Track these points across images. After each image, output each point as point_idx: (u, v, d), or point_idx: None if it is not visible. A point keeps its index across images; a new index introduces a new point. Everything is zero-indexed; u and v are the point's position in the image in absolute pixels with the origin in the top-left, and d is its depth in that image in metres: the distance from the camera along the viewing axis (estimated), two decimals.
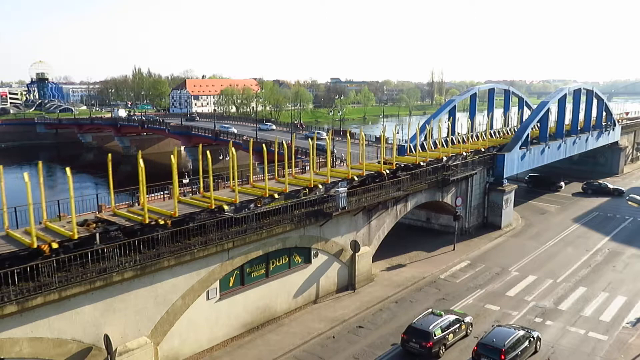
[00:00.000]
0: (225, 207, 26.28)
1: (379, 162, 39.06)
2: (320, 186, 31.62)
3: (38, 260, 19.20)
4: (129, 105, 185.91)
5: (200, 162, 28.01)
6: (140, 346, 21.92)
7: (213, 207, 25.87)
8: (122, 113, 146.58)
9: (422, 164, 39.25)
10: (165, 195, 28.93)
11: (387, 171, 36.37)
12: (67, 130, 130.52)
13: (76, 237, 20.62)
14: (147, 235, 22.35)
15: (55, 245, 19.99)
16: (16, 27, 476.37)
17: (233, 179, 28.79)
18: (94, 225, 22.32)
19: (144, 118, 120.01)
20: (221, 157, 75.62)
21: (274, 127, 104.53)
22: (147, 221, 23.11)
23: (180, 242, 23.49)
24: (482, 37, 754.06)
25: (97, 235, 21.44)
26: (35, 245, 19.50)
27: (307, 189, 30.94)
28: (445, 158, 42.46)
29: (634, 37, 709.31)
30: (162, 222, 23.58)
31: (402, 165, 38.42)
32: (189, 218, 24.82)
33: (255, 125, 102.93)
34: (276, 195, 28.92)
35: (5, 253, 19.28)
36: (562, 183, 63.77)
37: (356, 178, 34.09)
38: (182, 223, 24.20)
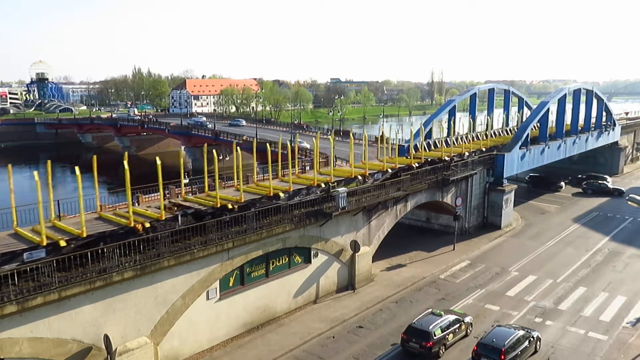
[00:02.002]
0: (281, 195, 29.02)
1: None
2: (359, 177, 34.62)
3: (134, 237, 21.84)
4: (129, 105, 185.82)
5: (234, 160, 29.25)
6: (140, 346, 21.92)
7: (271, 194, 28.59)
8: (135, 111, 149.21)
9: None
10: (166, 194, 28.86)
11: (417, 164, 39.04)
12: (67, 130, 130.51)
13: (163, 217, 23.75)
14: (217, 219, 24.99)
15: (147, 225, 22.92)
16: (16, 27, 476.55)
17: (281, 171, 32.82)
18: (175, 208, 25.54)
19: (145, 118, 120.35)
20: (221, 157, 75.67)
21: (243, 122, 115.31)
22: (218, 205, 25.96)
23: (246, 224, 26.08)
24: (482, 37, 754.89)
25: (179, 216, 24.36)
26: (132, 224, 22.54)
27: (348, 179, 34.24)
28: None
29: (634, 37, 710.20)
30: (230, 207, 26.34)
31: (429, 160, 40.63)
32: (251, 204, 27.37)
33: (227, 121, 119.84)
34: (323, 185, 31.67)
35: (108, 230, 22.33)
36: (562, 183, 63.76)
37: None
38: (246, 208, 26.87)
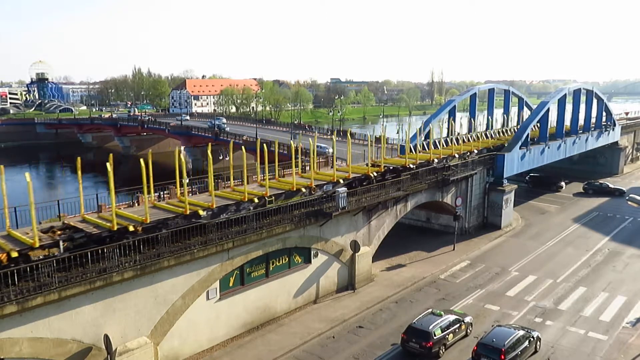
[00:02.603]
0: (201, 213, 24.89)
1: (367, 165, 37.73)
2: (303, 189, 30.65)
3: None
4: (129, 106, 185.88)
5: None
6: (140, 346, 21.92)
7: (188, 212, 24.50)
8: (136, 111, 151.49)
9: (411, 166, 38.31)
10: (165, 195, 28.86)
11: (375, 174, 35.43)
12: (67, 130, 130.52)
13: (37, 244, 19.61)
14: (115, 243, 21.16)
15: (14, 254, 19.13)
16: (16, 27, 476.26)
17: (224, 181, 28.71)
18: (59, 232, 21.16)
19: (144, 118, 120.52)
20: (221, 157, 75.68)
21: (224, 120, 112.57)
22: (115, 228, 21.84)
23: (147, 251, 22.13)
24: (482, 37, 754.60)
25: (61, 242, 20.33)
26: None
27: (289, 192, 30.02)
28: (436, 160, 41.48)
29: (634, 37, 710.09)
30: (131, 229, 22.31)
31: (391, 168, 37.27)
32: (161, 224, 23.48)
33: (209, 120, 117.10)
34: (341, 181, 28.41)
35: None
36: (563, 183, 63.75)
37: (341, 181, 33.14)
38: (154, 230, 22.93)
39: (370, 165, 36.96)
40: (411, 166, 38.20)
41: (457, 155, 44.75)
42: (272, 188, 29.86)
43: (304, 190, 30.65)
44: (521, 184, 62.19)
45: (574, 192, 62.09)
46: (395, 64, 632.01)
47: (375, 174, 35.51)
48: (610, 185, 61.51)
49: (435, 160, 41.52)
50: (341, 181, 33.03)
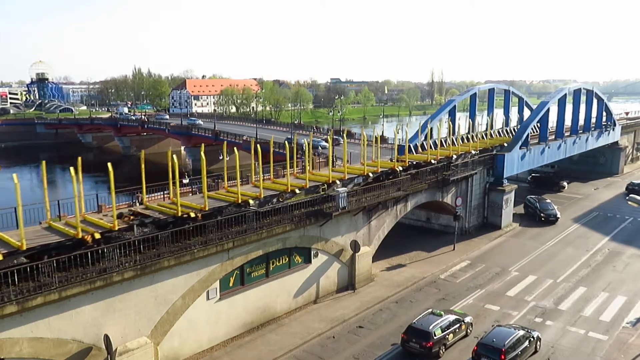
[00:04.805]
0: (251, 202, 27.27)
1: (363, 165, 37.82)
2: (338, 182, 33.00)
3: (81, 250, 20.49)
4: (129, 105, 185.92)
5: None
6: (140, 346, 21.92)
7: (240, 201, 26.75)
8: (135, 111, 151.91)
9: (433, 162, 39.80)
10: (166, 195, 28.85)
11: (370, 175, 36.15)
12: (67, 130, 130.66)
13: (116, 228, 21.91)
14: (179, 227, 23.31)
15: (97, 235, 21.28)
16: (16, 27, 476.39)
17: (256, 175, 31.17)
18: (131, 217, 23.67)
19: (144, 118, 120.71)
20: (221, 157, 75.62)
21: (200, 121, 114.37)
22: (179, 214, 24.12)
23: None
24: (482, 37, 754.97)
25: (135, 226, 22.67)
26: (79, 236, 20.82)
27: (325, 185, 32.39)
28: (433, 161, 41.37)
29: (634, 37, 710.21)
30: (193, 215, 24.52)
31: (415, 163, 39.31)
32: (217, 212, 25.69)
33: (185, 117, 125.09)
34: (297, 191, 30.06)
35: (52, 242, 20.54)
36: (565, 183, 63.63)
37: (371, 175, 35.23)
38: (211, 216, 25.11)
39: (365, 166, 36.75)
40: (401, 168, 38.21)
41: (454, 157, 44.55)
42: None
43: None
44: (523, 184, 62.22)
45: (575, 191, 61.83)
46: (395, 64, 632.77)
47: (371, 175, 35.75)
48: None
49: (433, 162, 41.29)
50: (338, 182, 33.45)
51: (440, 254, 39.92)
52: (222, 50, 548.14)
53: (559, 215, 49.22)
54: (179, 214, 24.29)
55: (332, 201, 30.67)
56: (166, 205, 25.90)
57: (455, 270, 36.85)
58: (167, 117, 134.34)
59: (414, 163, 40.12)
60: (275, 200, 29.21)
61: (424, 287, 33.85)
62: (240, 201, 26.95)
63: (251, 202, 27.40)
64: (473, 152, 45.96)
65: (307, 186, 31.60)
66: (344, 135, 37.17)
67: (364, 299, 31.60)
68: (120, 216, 23.50)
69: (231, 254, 25.65)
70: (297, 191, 30.30)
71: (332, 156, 37.31)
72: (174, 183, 26.10)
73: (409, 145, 44.04)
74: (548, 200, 51.53)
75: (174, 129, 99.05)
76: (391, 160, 41.36)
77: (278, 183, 31.97)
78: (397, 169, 37.29)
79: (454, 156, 43.61)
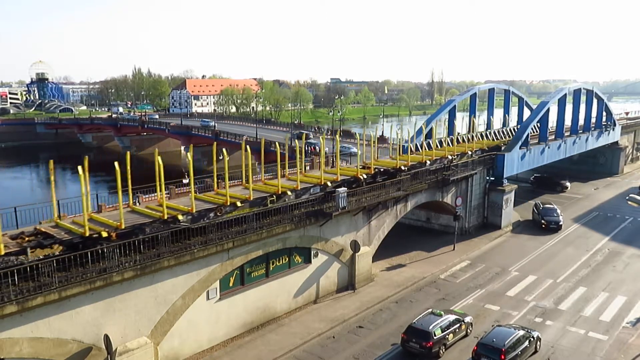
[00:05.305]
0: (180, 217, 24.12)
1: (356, 167, 36.04)
2: (289, 192, 29.44)
3: None
4: (129, 105, 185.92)
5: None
6: (140, 346, 21.92)
7: (166, 217, 23.63)
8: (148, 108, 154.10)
9: (402, 168, 37.28)
10: (166, 195, 28.81)
11: (364, 176, 34.33)
12: (67, 130, 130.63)
13: (2, 252, 18.88)
14: (88, 250, 20.36)
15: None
16: (16, 27, 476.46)
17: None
18: (26, 239, 20.53)
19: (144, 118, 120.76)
20: (221, 157, 75.60)
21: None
22: (87, 233, 21.02)
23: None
24: (482, 37, 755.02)
25: (28, 249, 19.61)
26: None
27: (274, 196, 28.84)
28: (428, 162, 40.65)
29: (634, 37, 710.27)
30: (105, 235, 21.40)
31: (382, 170, 36.44)
32: (138, 229, 22.55)
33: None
34: (239, 204, 26.79)
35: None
36: (568, 184, 63.48)
37: (329, 184, 31.86)
38: (129, 235, 22.02)
39: (360, 167, 35.56)
40: (403, 168, 37.54)
41: (451, 157, 44.31)
42: (256, 191, 28.92)
43: (289, 193, 29.51)
44: (525, 185, 62.19)
45: (576, 191, 61.74)
46: (395, 64, 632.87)
47: (365, 176, 34.44)
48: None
49: (428, 162, 40.60)
50: (329, 184, 31.82)
51: (440, 254, 39.91)
52: (222, 50, 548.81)
53: (561, 223, 46.35)
54: (86, 234, 20.94)
55: (332, 201, 30.65)
56: (79, 222, 22.24)
57: (455, 270, 36.84)
58: (157, 116, 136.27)
59: (381, 170, 36.22)
60: (212, 214, 25.68)
61: (424, 287, 33.85)
62: (166, 217, 23.63)
63: (180, 217, 24.06)
64: (470, 152, 45.83)
65: (251, 198, 27.70)
66: (337, 136, 36.06)
67: (364, 299, 31.60)
68: (17, 237, 20.58)
69: (231, 254, 25.64)
70: (239, 204, 26.84)
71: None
72: (167, 185, 25.67)
73: (409, 146, 44.02)
74: (553, 206, 48.62)
75: (174, 129, 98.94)
76: (393, 159, 40.35)
77: (220, 194, 28.15)
78: (360, 177, 33.87)
79: (450, 157, 43.35)
